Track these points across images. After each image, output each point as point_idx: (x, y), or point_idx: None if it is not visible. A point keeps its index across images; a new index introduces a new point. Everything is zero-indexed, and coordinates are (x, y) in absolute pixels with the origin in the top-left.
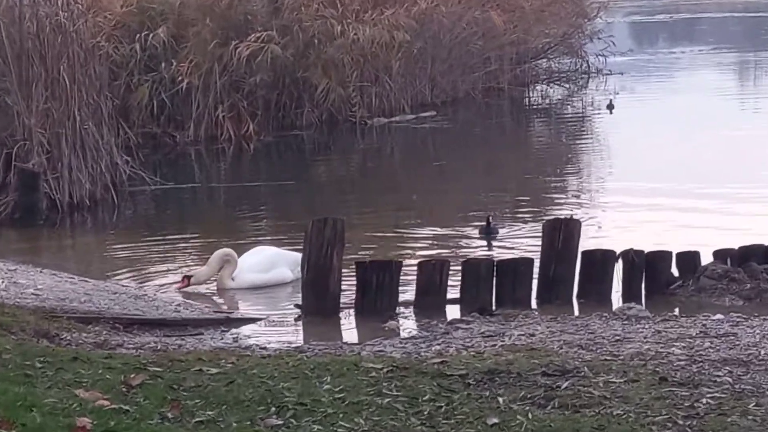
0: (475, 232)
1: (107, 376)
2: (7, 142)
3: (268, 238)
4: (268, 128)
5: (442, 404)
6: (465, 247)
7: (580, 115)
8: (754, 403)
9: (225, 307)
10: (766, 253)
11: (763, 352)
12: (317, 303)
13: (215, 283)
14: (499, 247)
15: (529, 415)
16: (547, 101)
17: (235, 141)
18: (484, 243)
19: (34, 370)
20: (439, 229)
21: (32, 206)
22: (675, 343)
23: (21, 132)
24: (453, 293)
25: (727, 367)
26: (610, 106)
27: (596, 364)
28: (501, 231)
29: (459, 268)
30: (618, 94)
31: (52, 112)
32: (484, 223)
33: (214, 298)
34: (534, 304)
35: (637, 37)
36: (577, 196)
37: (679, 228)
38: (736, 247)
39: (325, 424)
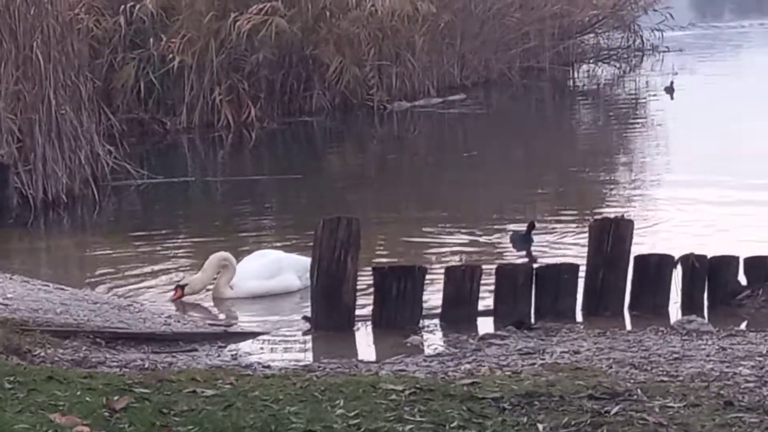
0: (513, 232)
1: (87, 399)
2: None
3: (272, 240)
4: (273, 114)
5: None
6: (499, 251)
7: (633, 98)
8: None
9: (222, 320)
10: None
11: None
12: (329, 315)
13: (211, 292)
14: (539, 251)
15: None
16: (595, 83)
17: (234, 128)
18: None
19: (2, 391)
20: (469, 230)
21: (1, 203)
22: (742, 362)
23: None
24: (486, 304)
25: None
26: (670, 89)
27: (651, 386)
28: (536, 239)
29: (492, 274)
30: (677, 74)
31: (23, 95)
32: (517, 231)
33: (210, 309)
34: (579, 316)
35: (699, 8)
36: (630, 193)
37: (748, 230)
38: None
39: None
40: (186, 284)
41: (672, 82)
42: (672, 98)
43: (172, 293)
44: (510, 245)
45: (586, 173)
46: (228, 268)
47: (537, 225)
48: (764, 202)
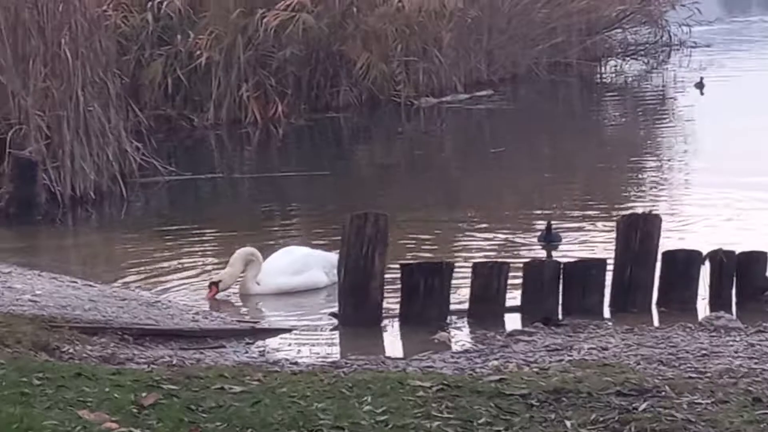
0: (537, 230)
1: (115, 395)
2: (1, 126)
3: (300, 236)
4: (300, 110)
5: (501, 428)
6: (526, 248)
7: (661, 94)
8: None
9: (249, 316)
10: None
11: None
12: (356, 311)
13: (238, 289)
14: (566, 247)
15: None
16: (623, 78)
17: (261, 125)
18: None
19: (31, 387)
20: (496, 226)
21: (29, 200)
22: None
23: (16, 115)
24: (513, 300)
25: None
26: (700, 85)
27: (679, 383)
28: (564, 236)
29: (520, 271)
30: (705, 69)
31: (51, 92)
32: (543, 230)
33: (238, 305)
34: (607, 312)
35: (727, 2)
36: (658, 189)
37: None
38: None
39: None
40: (220, 280)
41: (702, 78)
42: (702, 93)
43: (207, 291)
44: (537, 243)
45: (613, 169)
46: (254, 263)
47: (564, 219)
48: None
